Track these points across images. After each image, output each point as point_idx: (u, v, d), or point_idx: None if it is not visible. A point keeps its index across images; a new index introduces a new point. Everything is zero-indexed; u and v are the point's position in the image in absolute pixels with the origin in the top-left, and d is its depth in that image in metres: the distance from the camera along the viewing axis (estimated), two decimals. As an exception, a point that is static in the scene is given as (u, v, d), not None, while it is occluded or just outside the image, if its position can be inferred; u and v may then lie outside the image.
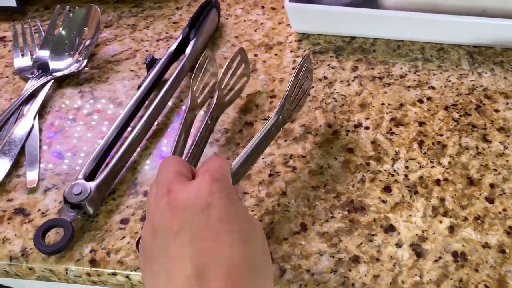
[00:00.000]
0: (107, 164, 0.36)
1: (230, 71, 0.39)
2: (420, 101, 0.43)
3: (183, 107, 0.40)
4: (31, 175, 0.36)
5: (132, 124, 0.39)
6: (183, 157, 0.35)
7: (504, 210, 0.35)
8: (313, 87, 0.44)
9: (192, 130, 0.38)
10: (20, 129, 0.38)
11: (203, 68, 0.39)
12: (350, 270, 0.32)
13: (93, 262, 0.32)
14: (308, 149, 0.39)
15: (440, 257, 0.32)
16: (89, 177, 0.35)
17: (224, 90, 0.39)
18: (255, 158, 0.33)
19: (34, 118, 0.40)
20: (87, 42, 0.44)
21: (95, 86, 0.43)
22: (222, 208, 0.24)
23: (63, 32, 0.44)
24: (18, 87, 0.43)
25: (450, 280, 0.31)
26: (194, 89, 0.38)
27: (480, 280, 0.31)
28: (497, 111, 0.42)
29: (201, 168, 0.27)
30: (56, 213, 0.34)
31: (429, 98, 0.43)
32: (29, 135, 0.38)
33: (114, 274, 0.32)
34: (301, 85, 0.38)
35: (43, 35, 0.46)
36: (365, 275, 0.31)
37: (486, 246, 0.33)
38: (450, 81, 0.45)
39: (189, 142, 0.36)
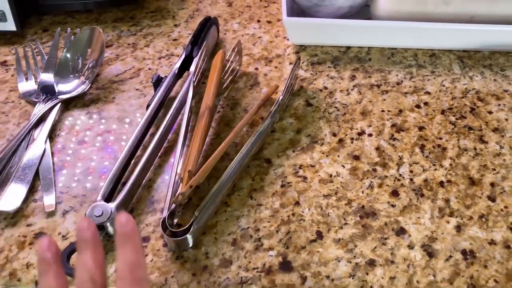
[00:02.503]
0: (123, 184, 0.36)
1: (229, 63, 0.44)
2: (418, 106, 0.45)
3: (187, 100, 0.41)
4: (48, 199, 0.37)
5: (144, 143, 0.40)
6: (188, 151, 0.38)
7: (506, 207, 0.37)
8: (314, 97, 0.45)
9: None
10: (32, 154, 0.39)
11: (200, 63, 0.43)
12: (367, 274, 0.33)
13: (118, 282, 0.32)
14: (316, 159, 0.40)
15: (450, 256, 0.34)
16: (107, 198, 0.35)
17: (222, 79, 0.43)
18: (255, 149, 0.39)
19: (45, 141, 0.40)
20: (91, 64, 0.45)
21: (102, 107, 0.44)
22: None
23: (68, 54, 0.44)
24: (25, 111, 0.43)
25: (462, 278, 0.33)
26: (194, 80, 0.42)
27: (489, 275, 0.33)
28: (490, 112, 0.44)
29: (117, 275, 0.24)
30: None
31: (426, 103, 0.45)
32: (42, 159, 0.39)
33: (140, 292, 0.32)
34: (290, 86, 0.44)
35: (45, 57, 0.47)
36: (382, 277, 0.33)
37: (492, 243, 0.35)
38: (444, 85, 0.47)
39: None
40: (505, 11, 0.47)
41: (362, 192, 0.38)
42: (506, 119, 0.44)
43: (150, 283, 0.32)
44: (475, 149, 0.41)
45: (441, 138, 0.42)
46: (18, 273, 0.33)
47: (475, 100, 0.45)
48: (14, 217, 0.36)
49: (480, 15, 0.48)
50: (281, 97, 0.42)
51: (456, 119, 0.44)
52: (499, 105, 0.45)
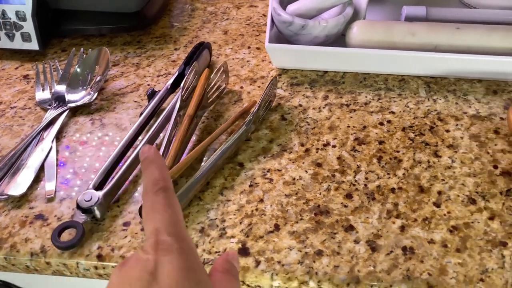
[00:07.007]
0: (113, 177, 0.43)
1: (215, 80, 0.50)
2: (381, 123, 0.50)
3: (174, 110, 0.48)
4: (49, 187, 0.43)
5: (134, 145, 0.46)
6: (168, 151, 0.43)
7: (449, 212, 0.41)
8: (289, 113, 0.51)
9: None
10: (40, 150, 0.46)
11: (189, 80, 0.49)
12: (314, 262, 0.38)
13: (100, 257, 0.38)
14: (283, 164, 0.46)
15: (391, 251, 0.38)
16: (98, 187, 0.41)
17: (209, 93, 0.49)
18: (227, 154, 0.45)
19: (52, 141, 0.47)
20: (98, 78, 0.52)
21: (104, 115, 0.51)
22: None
23: (78, 70, 0.52)
24: (39, 116, 0.51)
25: (399, 270, 0.37)
26: (182, 94, 0.48)
27: (424, 269, 0.37)
28: (447, 131, 0.49)
29: (148, 223, 0.25)
30: (69, 218, 0.41)
31: (389, 121, 0.50)
32: (48, 155, 0.46)
33: (117, 266, 0.38)
34: (267, 101, 0.49)
35: (61, 72, 0.55)
36: (327, 266, 0.37)
37: (431, 242, 0.39)
38: (408, 106, 0.52)
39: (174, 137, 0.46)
40: (463, 42, 0.52)
41: (320, 194, 0.43)
42: (462, 137, 0.48)
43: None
44: (428, 162, 0.46)
45: (398, 151, 0.47)
46: (18, 246, 0.39)
47: (435, 120, 0.50)
48: (19, 201, 0.42)
49: (443, 45, 0.53)
50: (256, 109, 0.48)
51: (415, 135, 0.48)
52: (457, 125, 0.49)
